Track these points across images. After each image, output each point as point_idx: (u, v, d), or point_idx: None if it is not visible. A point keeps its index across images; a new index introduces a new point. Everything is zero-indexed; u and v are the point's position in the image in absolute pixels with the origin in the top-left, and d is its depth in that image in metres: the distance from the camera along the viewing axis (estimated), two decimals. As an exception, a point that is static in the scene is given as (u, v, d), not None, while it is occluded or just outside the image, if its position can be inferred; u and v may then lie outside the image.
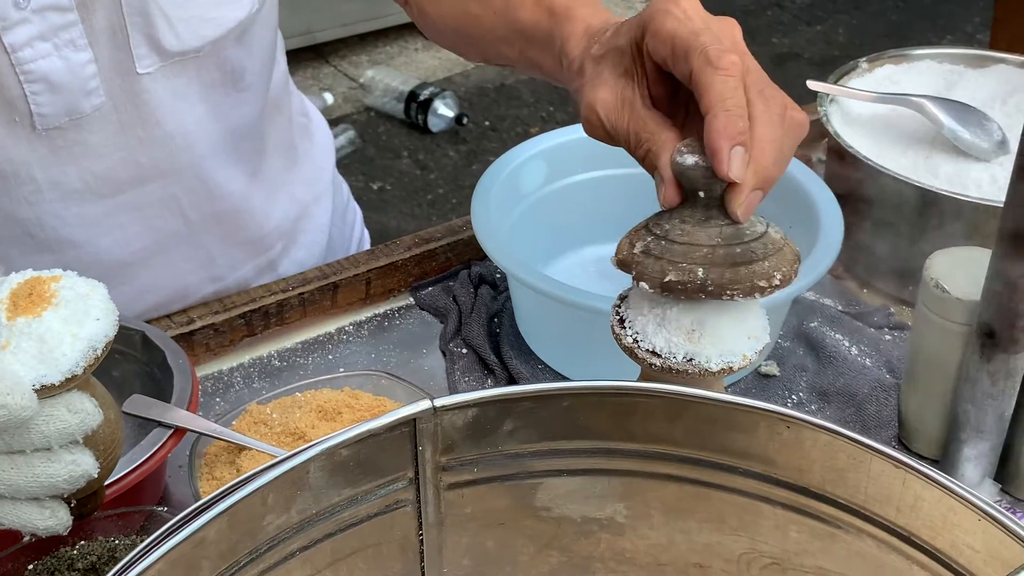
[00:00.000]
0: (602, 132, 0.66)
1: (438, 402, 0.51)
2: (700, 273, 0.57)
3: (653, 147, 0.62)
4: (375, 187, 2.85)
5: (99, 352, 0.58)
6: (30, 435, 0.57)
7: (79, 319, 0.57)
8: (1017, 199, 0.70)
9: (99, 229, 0.88)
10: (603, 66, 0.67)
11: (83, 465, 0.59)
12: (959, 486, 0.48)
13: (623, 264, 0.60)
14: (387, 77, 3.08)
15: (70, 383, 0.57)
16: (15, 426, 0.56)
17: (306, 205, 1.04)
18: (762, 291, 0.57)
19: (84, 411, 0.58)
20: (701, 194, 0.58)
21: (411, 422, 0.51)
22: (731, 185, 0.58)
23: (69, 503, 0.61)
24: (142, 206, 0.89)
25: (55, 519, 0.60)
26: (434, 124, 2.99)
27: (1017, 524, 0.46)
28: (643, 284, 0.58)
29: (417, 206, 2.80)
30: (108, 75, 0.82)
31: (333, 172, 1.10)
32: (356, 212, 1.18)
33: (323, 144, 1.09)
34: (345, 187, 1.16)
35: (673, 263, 0.57)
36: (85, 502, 0.63)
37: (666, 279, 0.57)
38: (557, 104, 3.15)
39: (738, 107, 0.59)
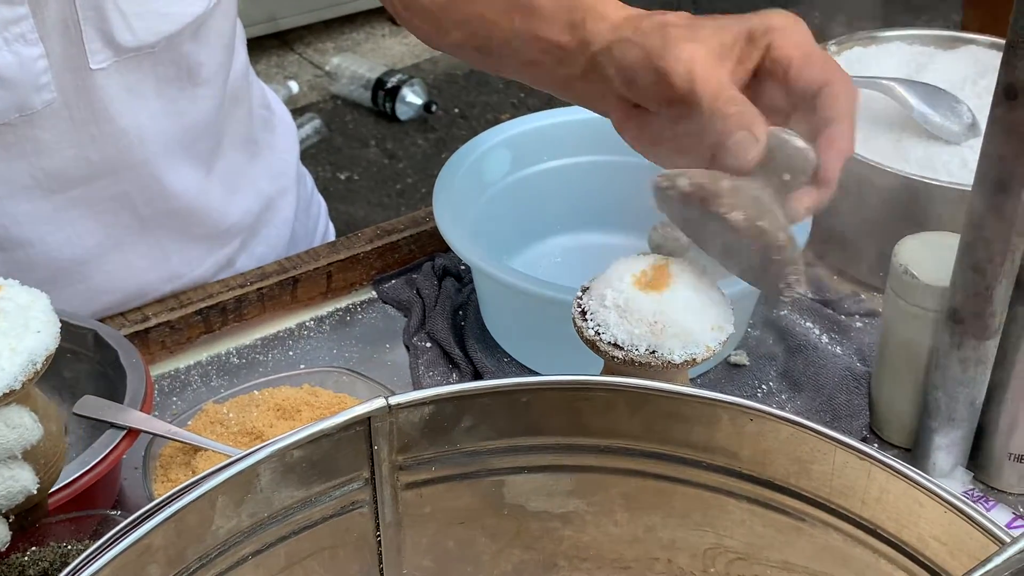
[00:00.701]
0: (683, 85, 0.65)
1: (393, 400, 0.51)
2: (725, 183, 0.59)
3: (751, 108, 0.63)
4: (342, 177, 2.84)
5: (39, 366, 0.57)
6: None
7: (18, 332, 0.56)
8: (984, 184, 0.70)
9: (50, 226, 0.87)
10: (699, 31, 0.67)
11: (21, 481, 0.58)
12: (924, 478, 0.48)
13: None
14: (353, 64, 3.06)
15: (7, 398, 0.56)
16: None
17: (270, 199, 1.03)
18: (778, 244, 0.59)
19: (23, 426, 0.57)
20: (787, 176, 0.62)
21: (365, 421, 0.51)
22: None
23: (7, 518, 0.60)
24: (93, 202, 0.88)
25: None
26: (402, 112, 2.97)
27: (983, 516, 0.46)
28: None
29: (386, 196, 2.79)
30: (60, 70, 0.81)
31: (298, 164, 1.09)
32: (320, 204, 1.17)
33: (286, 136, 1.08)
34: (309, 179, 1.15)
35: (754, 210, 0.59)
36: (26, 515, 0.62)
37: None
38: (528, 90, 3.14)
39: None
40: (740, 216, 0.58)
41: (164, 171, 0.90)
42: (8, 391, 0.55)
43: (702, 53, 0.65)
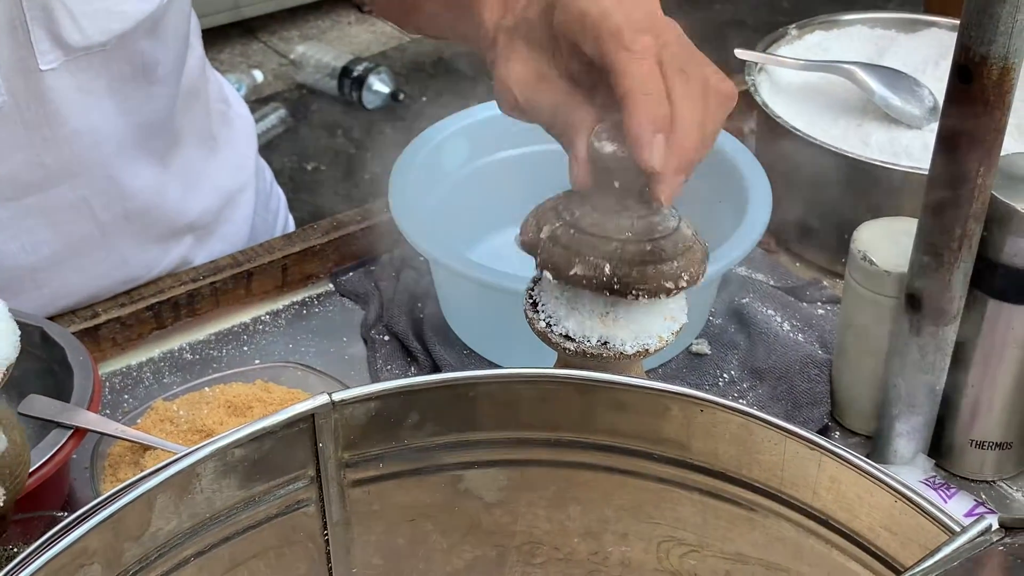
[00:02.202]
0: (517, 109, 0.65)
1: (337, 396, 0.50)
2: (607, 270, 0.56)
3: (570, 126, 0.61)
4: (309, 167, 2.82)
5: (4, 373, 0.56)
6: None
7: None
8: (940, 167, 0.70)
9: (5, 234, 0.86)
10: (516, 38, 0.65)
11: None
12: (874, 467, 0.48)
13: (528, 246, 0.59)
14: (319, 53, 3.04)
15: None
16: None
17: (230, 194, 1.02)
18: (668, 292, 0.57)
19: None
20: (617, 183, 0.57)
21: (309, 418, 0.50)
22: (653, 173, 0.56)
23: None
24: (50, 210, 0.87)
25: None
26: (369, 101, 2.96)
27: (933, 505, 0.46)
28: (547, 273, 0.58)
29: (353, 186, 2.78)
30: (9, 73, 0.80)
31: (256, 158, 1.08)
32: (280, 198, 1.16)
33: (244, 130, 1.07)
34: (268, 172, 1.14)
35: (580, 255, 0.57)
36: None
37: (572, 272, 0.57)
38: (496, 78, 3.13)
39: (657, 91, 0.57)
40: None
41: (120, 172, 0.89)
42: None
43: (519, 71, 0.63)
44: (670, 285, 0.57)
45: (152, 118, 0.90)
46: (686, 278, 0.57)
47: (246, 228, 1.05)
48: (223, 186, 1.01)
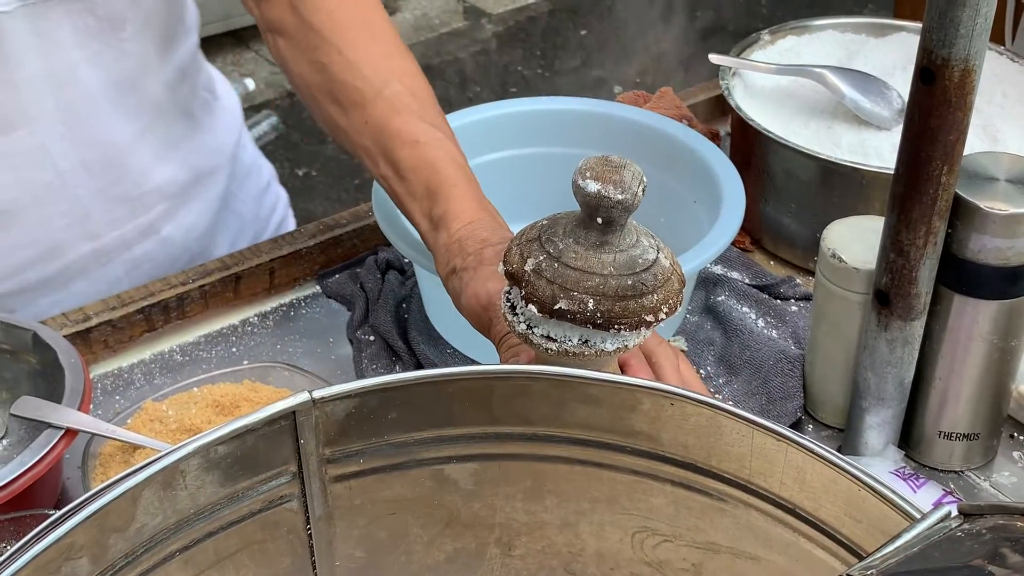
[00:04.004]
0: (478, 317, 0.70)
1: (316, 394, 0.51)
2: (590, 305, 0.57)
3: (515, 354, 0.66)
4: (300, 173, 2.82)
5: None
6: None
7: None
8: (905, 167, 0.71)
9: None
10: (484, 263, 0.70)
11: None
12: (839, 457, 0.48)
13: (513, 277, 0.59)
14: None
15: None
16: None
17: (201, 173, 1.02)
18: (648, 325, 0.58)
19: None
20: (599, 220, 0.58)
21: (290, 415, 0.51)
22: None
23: None
24: (9, 155, 0.86)
25: None
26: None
27: (895, 494, 0.47)
28: (532, 307, 0.58)
29: (344, 191, 2.78)
30: None
31: (237, 152, 1.08)
32: (279, 196, 1.17)
33: (227, 121, 1.07)
34: (267, 171, 1.14)
35: (565, 290, 0.57)
36: None
37: (556, 306, 0.57)
38: (483, 84, 3.14)
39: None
40: None
41: (82, 122, 0.88)
42: None
43: (493, 289, 0.68)
44: (650, 318, 0.58)
45: (121, 77, 0.90)
46: (665, 310, 0.58)
47: (215, 206, 1.04)
48: (195, 164, 1.01)
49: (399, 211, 0.88)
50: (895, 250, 0.73)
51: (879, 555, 0.41)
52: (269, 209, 1.13)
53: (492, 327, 0.69)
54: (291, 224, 1.17)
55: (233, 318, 0.94)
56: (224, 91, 1.08)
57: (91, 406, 0.78)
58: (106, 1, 0.85)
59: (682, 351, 0.91)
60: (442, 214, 0.74)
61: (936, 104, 0.67)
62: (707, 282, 0.96)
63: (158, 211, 0.98)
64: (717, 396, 0.86)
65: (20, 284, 0.92)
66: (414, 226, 0.79)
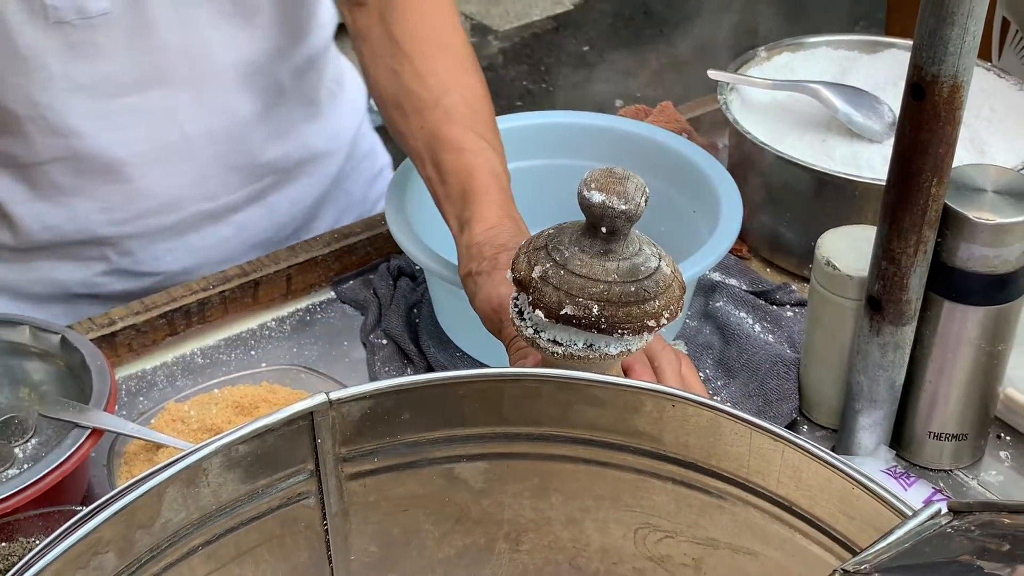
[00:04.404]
0: (490, 319, 0.71)
1: (333, 395, 0.51)
2: (595, 310, 0.58)
3: (523, 356, 0.68)
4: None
5: None
6: None
7: None
8: (896, 178, 0.71)
9: (102, 125, 0.91)
10: (500, 266, 0.71)
11: None
12: (833, 457, 0.48)
13: (521, 284, 0.60)
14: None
15: None
16: None
17: (316, 154, 1.06)
18: (651, 330, 0.59)
19: None
20: (603, 229, 0.58)
21: (308, 415, 0.51)
22: None
23: None
24: (143, 112, 0.91)
25: None
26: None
27: (887, 491, 0.47)
28: (539, 312, 0.58)
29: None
30: None
31: (356, 140, 1.11)
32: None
33: (350, 112, 1.10)
34: (382, 159, 1.18)
35: (571, 296, 0.58)
36: None
37: (563, 312, 0.58)
38: (504, 97, 3.14)
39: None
40: None
41: (209, 95, 0.94)
42: None
43: (505, 293, 0.69)
44: (652, 323, 0.58)
45: (251, 58, 0.94)
46: (666, 315, 0.59)
47: (326, 183, 1.08)
48: (312, 145, 1.05)
49: (413, 220, 0.88)
50: (887, 258, 0.73)
51: (872, 551, 0.42)
52: (379, 194, 1.16)
53: (503, 329, 0.70)
54: None
55: (252, 322, 0.95)
56: (352, 83, 1.12)
57: (116, 407, 0.78)
58: None
59: (682, 354, 0.91)
60: (468, 217, 0.75)
61: (926, 118, 0.67)
62: (706, 288, 0.96)
63: (268, 181, 1.03)
64: (716, 398, 0.86)
65: (140, 229, 0.97)
66: (447, 226, 0.79)
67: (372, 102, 1.09)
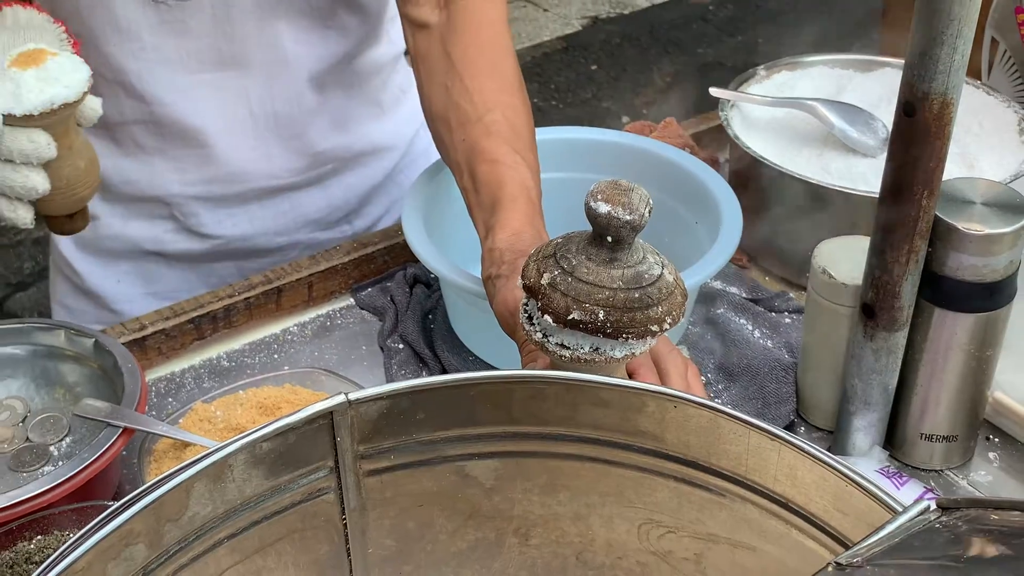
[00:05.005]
0: (506, 321, 0.72)
1: (352, 395, 0.51)
2: (601, 315, 0.58)
3: (534, 359, 0.68)
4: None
5: (56, 106, 0.73)
6: (0, 147, 0.73)
7: (51, 82, 0.72)
8: (889, 191, 0.71)
9: (183, 96, 0.96)
10: (516, 272, 0.72)
11: (33, 181, 0.75)
12: (827, 455, 0.48)
13: (530, 290, 0.60)
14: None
15: (30, 120, 0.72)
16: None
17: (375, 147, 1.08)
18: (654, 335, 0.59)
19: (39, 143, 0.73)
20: (609, 238, 0.58)
21: (328, 415, 0.51)
22: None
23: (33, 206, 0.77)
24: (219, 88, 0.96)
25: (15, 214, 0.76)
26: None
27: (879, 488, 0.47)
28: (547, 317, 0.59)
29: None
30: None
31: (416, 139, 1.13)
32: None
33: (410, 117, 1.11)
34: (436, 157, 1.18)
35: (578, 302, 0.58)
36: (62, 222, 0.80)
37: (570, 316, 0.58)
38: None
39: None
40: None
41: (279, 84, 0.97)
42: (28, 114, 0.72)
43: (515, 299, 0.70)
44: (656, 328, 0.58)
45: (323, 56, 0.98)
46: (669, 320, 0.59)
47: (380, 175, 1.10)
48: (372, 139, 1.07)
49: (429, 231, 0.88)
50: (880, 267, 0.73)
51: (864, 544, 0.42)
52: None
53: (517, 331, 0.70)
54: None
55: (275, 328, 0.95)
56: (414, 93, 1.12)
57: (146, 407, 0.78)
58: None
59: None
60: (494, 224, 0.76)
61: (917, 134, 0.68)
62: (708, 296, 0.96)
63: (327, 168, 1.05)
64: (717, 400, 0.86)
65: (205, 192, 1.01)
66: (477, 233, 0.81)
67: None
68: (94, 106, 0.78)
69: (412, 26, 0.91)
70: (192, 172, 1.00)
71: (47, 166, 0.75)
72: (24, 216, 0.77)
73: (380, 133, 1.08)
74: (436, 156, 1.18)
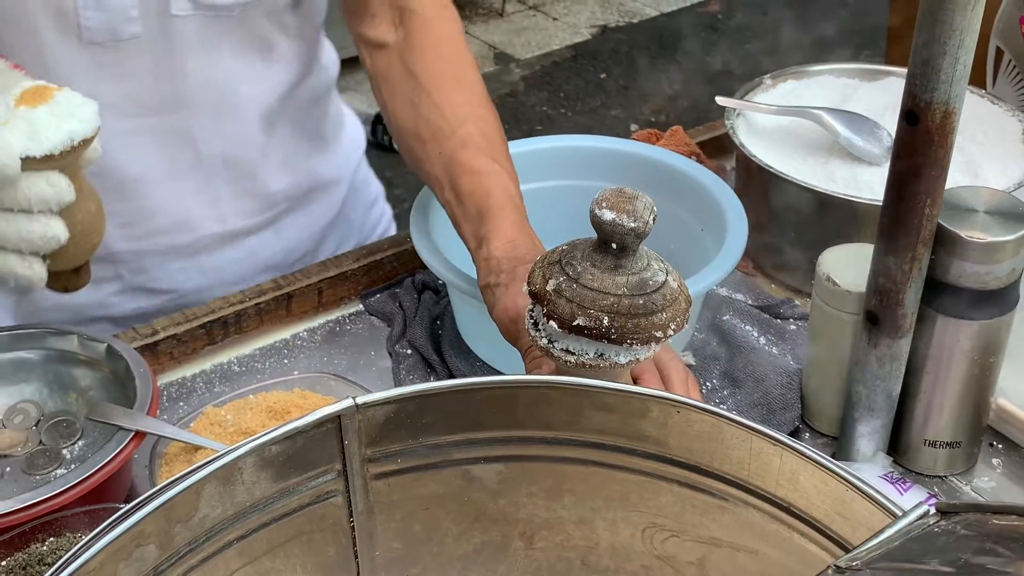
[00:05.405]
0: (508, 329, 0.73)
1: (360, 399, 0.52)
2: (605, 321, 0.58)
3: (538, 365, 0.70)
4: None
5: (75, 143, 0.68)
6: (16, 195, 0.67)
7: (66, 117, 0.68)
8: (892, 200, 0.71)
9: (123, 142, 0.91)
10: (518, 279, 0.73)
11: (54, 229, 0.69)
12: (829, 460, 0.49)
13: (536, 296, 0.60)
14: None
15: (49, 161, 0.67)
16: (3, 183, 0.66)
17: (323, 183, 1.06)
18: (658, 341, 0.59)
19: (59, 187, 0.68)
20: (614, 245, 0.59)
21: (336, 419, 0.51)
22: None
23: (44, 260, 0.70)
24: (161, 132, 0.92)
25: (31, 271, 0.70)
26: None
27: (879, 493, 0.47)
28: (553, 323, 0.59)
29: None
30: (147, 10, 0.86)
31: (357, 170, 1.12)
32: (384, 212, 1.20)
33: (350, 147, 1.11)
34: (375, 189, 1.19)
35: (583, 308, 0.58)
36: (67, 277, 0.73)
37: (575, 322, 0.58)
38: (511, 122, 3.15)
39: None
40: None
41: (227, 122, 0.94)
42: (49, 154, 0.67)
43: (523, 306, 0.70)
44: (660, 335, 0.59)
45: (265, 91, 0.95)
46: (673, 327, 0.59)
47: (332, 213, 1.08)
48: (319, 175, 1.05)
49: (436, 238, 0.89)
50: (884, 275, 0.73)
51: (863, 548, 0.42)
52: (375, 220, 1.17)
53: (520, 338, 0.71)
54: (392, 231, 1.21)
55: (285, 333, 0.95)
56: (351, 122, 1.13)
57: (158, 411, 0.79)
58: (262, 26, 0.92)
59: (690, 366, 0.92)
60: (485, 233, 0.77)
61: (920, 143, 0.68)
62: (713, 303, 0.97)
63: (280, 209, 1.03)
64: (722, 406, 0.86)
65: (154, 246, 0.97)
66: (465, 244, 0.81)
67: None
68: (96, 144, 0.72)
69: (368, 46, 0.90)
70: (137, 225, 0.95)
71: (62, 213, 0.69)
72: (40, 273, 0.70)
73: (327, 167, 1.06)
74: (374, 188, 1.19)
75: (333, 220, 1.09)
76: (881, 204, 0.91)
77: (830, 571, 0.41)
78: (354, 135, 1.14)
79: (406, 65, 0.88)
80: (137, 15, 0.85)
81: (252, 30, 0.92)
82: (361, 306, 0.99)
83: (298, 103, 1.00)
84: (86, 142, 0.69)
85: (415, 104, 0.86)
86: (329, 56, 1.05)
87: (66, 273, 0.73)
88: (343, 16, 0.94)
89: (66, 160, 0.68)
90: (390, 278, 1.00)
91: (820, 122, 1.01)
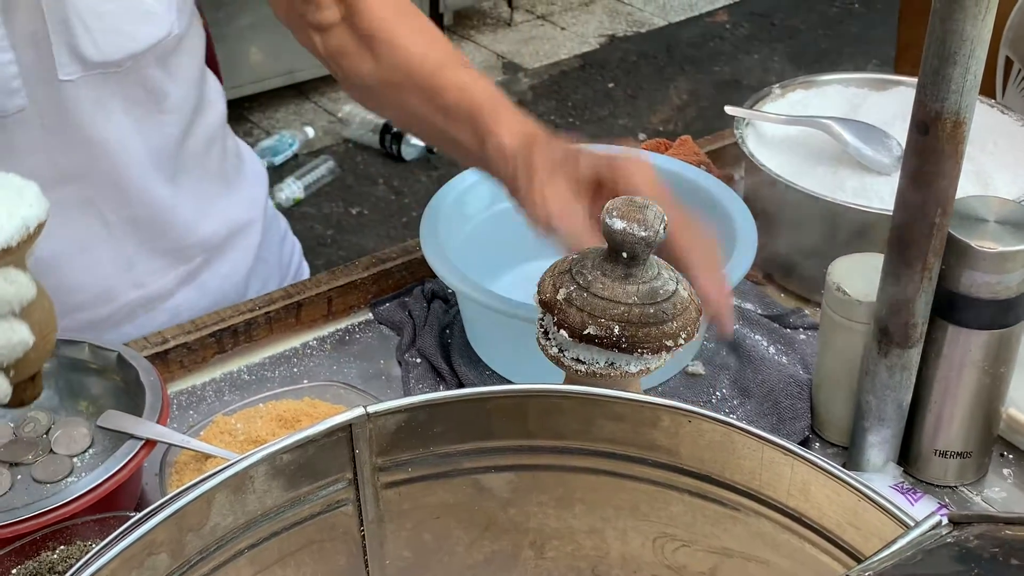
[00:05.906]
0: (548, 229, 0.74)
1: (371, 408, 0.52)
2: (616, 330, 0.58)
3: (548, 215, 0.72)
4: (354, 212, 2.85)
5: (31, 230, 0.61)
6: None
7: (15, 203, 0.61)
8: (902, 210, 0.71)
9: None
10: (558, 177, 0.74)
11: (19, 334, 0.62)
12: (840, 470, 0.49)
13: (546, 305, 0.60)
14: (363, 111, 3.08)
15: (5, 255, 0.60)
16: None
17: (238, 226, 1.03)
18: (668, 350, 0.59)
19: (19, 283, 0.61)
20: (624, 254, 0.59)
21: (347, 428, 0.52)
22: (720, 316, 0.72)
23: (8, 372, 0.62)
24: (63, 206, 0.86)
25: None
26: (407, 153, 3.00)
27: (890, 503, 0.47)
28: (563, 332, 0.59)
29: (392, 228, 2.80)
30: (31, 79, 0.81)
31: (266, 206, 1.09)
32: (295, 245, 1.17)
33: (255, 180, 1.08)
34: (283, 222, 1.16)
35: (593, 317, 0.58)
36: (24, 387, 0.64)
37: (585, 331, 0.58)
38: (519, 132, 3.15)
39: (719, 265, 0.76)
40: None
41: (129, 182, 0.90)
42: (6, 247, 0.60)
43: (558, 194, 0.71)
44: (670, 344, 0.59)
45: (163, 143, 0.92)
46: (683, 336, 0.59)
47: (251, 256, 1.05)
48: (232, 218, 1.02)
49: (445, 247, 0.89)
50: (894, 284, 0.73)
51: (875, 559, 0.42)
52: (288, 256, 1.14)
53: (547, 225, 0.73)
54: (305, 272, 1.17)
55: (295, 342, 0.96)
56: (248, 154, 1.10)
57: (168, 420, 0.79)
58: (152, 75, 0.88)
59: (700, 374, 0.91)
60: (488, 124, 0.79)
61: (930, 153, 0.68)
62: (722, 312, 0.96)
63: (198, 261, 0.99)
64: (732, 416, 0.86)
65: (74, 323, 0.92)
66: (463, 159, 0.83)
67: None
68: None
69: (318, 32, 0.89)
70: (55, 304, 0.89)
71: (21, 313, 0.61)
72: (4, 388, 0.63)
73: (236, 207, 1.02)
74: (282, 223, 1.16)
75: (253, 265, 1.05)
76: (891, 214, 0.91)
77: (842, 582, 0.41)
78: (255, 168, 1.10)
79: (356, 33, 0.88)
80: (20, 86, 0.80)
81: (142, 83, 0.88)
82: (371, 315, 0.99)
83: (195, 146, 0.96)
84: (41, 227, 0.62)
85: (377, 58, 0.87)
86: (215, 90, 1.01)
87: (23, 383, 0.65)
88: (281, 16, 0.91)
89: (21, 252, 0.61)
90: (399, 287, 1.01)
91: (829, 132, 1.01)
